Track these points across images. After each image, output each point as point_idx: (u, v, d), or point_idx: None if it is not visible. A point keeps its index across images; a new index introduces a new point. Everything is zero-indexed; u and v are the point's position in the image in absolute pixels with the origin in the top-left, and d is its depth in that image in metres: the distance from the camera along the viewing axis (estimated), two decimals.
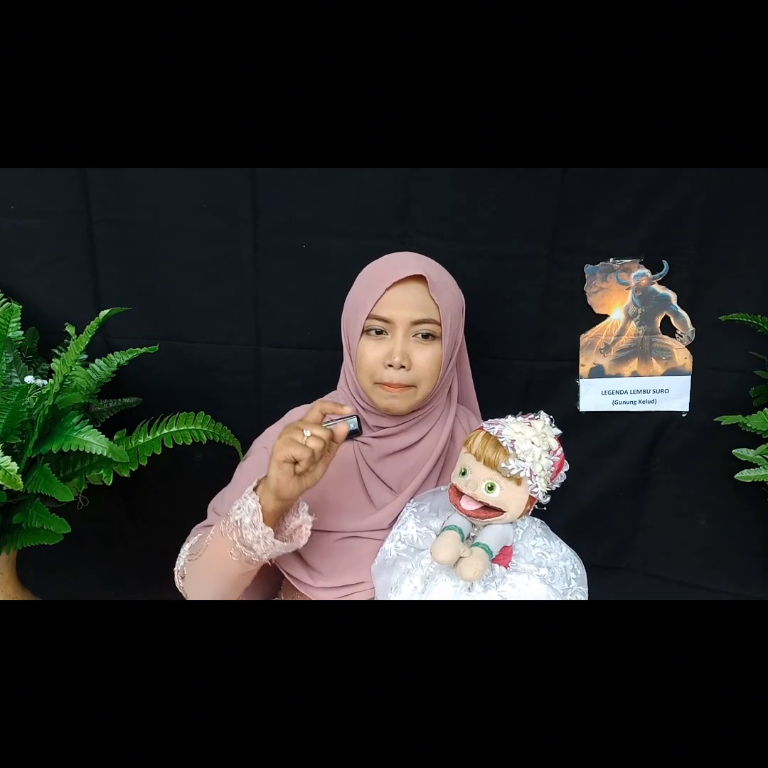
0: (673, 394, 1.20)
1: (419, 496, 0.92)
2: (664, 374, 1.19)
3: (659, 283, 1.15)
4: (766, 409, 0.99)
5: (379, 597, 0.84)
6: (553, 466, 0.77)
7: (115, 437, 0.95)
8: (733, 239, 1.11)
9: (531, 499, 0.77)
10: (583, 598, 0.83)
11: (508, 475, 0.75)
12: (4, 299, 1.05)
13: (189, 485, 1.20)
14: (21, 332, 1.02)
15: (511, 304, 1.16)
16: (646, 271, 1.14)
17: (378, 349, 0.88)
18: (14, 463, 0.79)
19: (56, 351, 1.08)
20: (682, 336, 1.16)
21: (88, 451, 0.84)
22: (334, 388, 1.01)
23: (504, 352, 1.18)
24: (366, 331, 0.89)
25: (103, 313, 0.95)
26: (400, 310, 0.86)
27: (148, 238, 1.11)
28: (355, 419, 0.91)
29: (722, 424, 1.05)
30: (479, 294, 1.14)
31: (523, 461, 0.74)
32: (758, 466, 1.00)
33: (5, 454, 0.80)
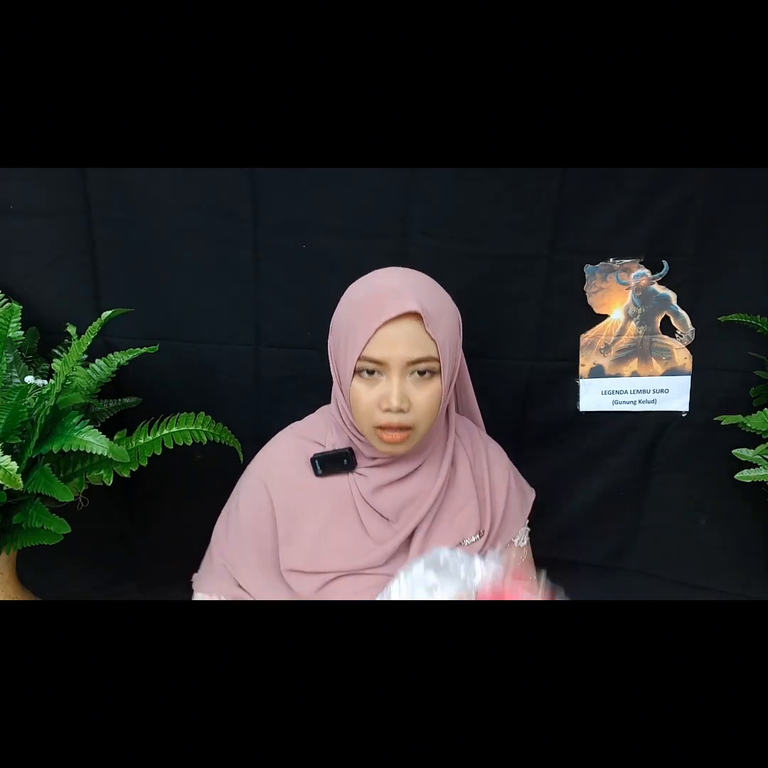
0: (673, 394, 1.20)
1: (428, 557, 0.82)
2: (664, 374, 1.19)
3: (659, 283, 1.15)
4: (766, 409, 1.00)
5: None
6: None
7: (115, 437, 0.95)
8: (733, 239, 1.11)
9: None
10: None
11: None
12: (4, 299, 1.05)
13: (189, 485, 1.21)
14: (21, 332, 1.02)
15: (511, 304, 1.15)
16: (646, 271, 1.14)
17: (372, 391, 0.80)
18: (14, 463, 0.80)
19: (56, 351, 1.08)
20: (682, 336, 1.16)
21: (88, 451, 0.84)
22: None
23: (504, 352, 1.18)
24: (357, 372, 0.81)
25: (106, 314, 0.95)
26: (394, 350, 0.78)
27: (148, 238, 1.11)
28: (349, 453, 0.88)
29: (722, 424, 1.05)
30: (479, 294, 1.14)
31: None
32: (758, 466, 1.00)
33: (5, 454, 0.80)
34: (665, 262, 1.13)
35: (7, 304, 1.03)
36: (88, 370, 1.02)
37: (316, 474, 0.89)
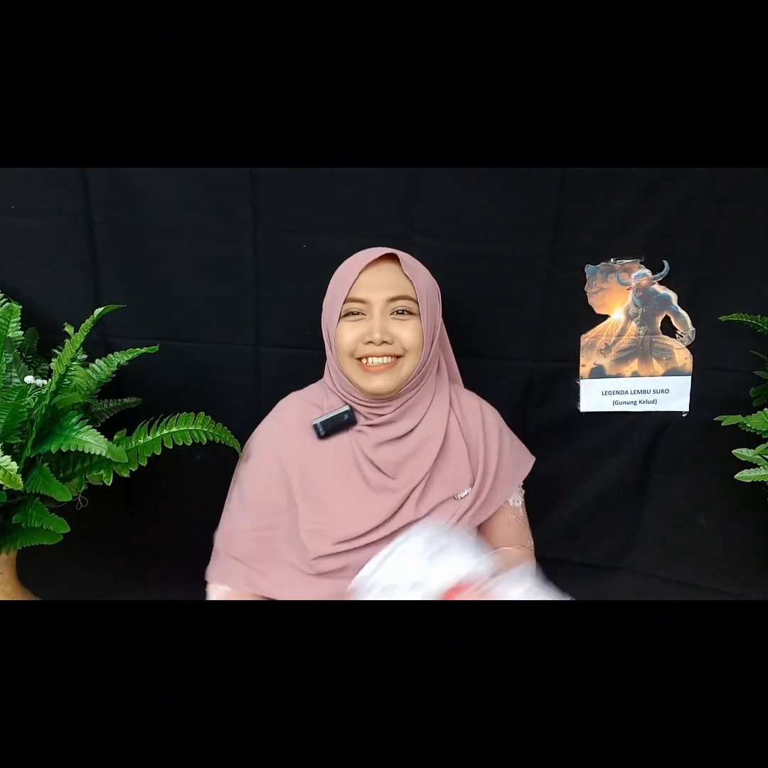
0: (674, 395, 1.20)
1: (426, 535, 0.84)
2: (665, 374, 1.19)
3: (660, 283, 1.15)
4: (766, 409, 0.99)
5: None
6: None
7: (114, 437, 0.94)
8: (733, 239, 1.11)
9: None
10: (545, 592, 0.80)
11: None
12: (4, 299, 1.05)
13: (189, 485, 1.21)
14: (21, 332, 1.02)
15: (512, 304, 1.16)
16: (647, 271, 1.14)
17: (356, 328, 0.89)
18: (14, 463, 0.79)
19: (56, 351, 1.08)
20: (682, 336, 1.16)
21: (87, 452, 0.84)
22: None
23: (505, 352, 1.18)
24: (343, 316, 0.90)
25: (99, 311, 0.94)
26: (375, 290, 0.88)
27: (148, 238, 1.11)
28: (349, 410, 0.94)
29: (722, 424, 1.05)
30: (479, 294, 1.14)
31: None
32: (758, 466, 1.00)
33: (5, 454, 0.80)
34: (666, 263, 1.14)
35: (7, 303, 1.03)
36: (88, 370, 1.01)
37: (319, 437, 0.94)
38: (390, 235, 1.11)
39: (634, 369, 1.19)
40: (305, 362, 1.18)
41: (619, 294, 1.15)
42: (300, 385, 1.17)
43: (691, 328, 1.16)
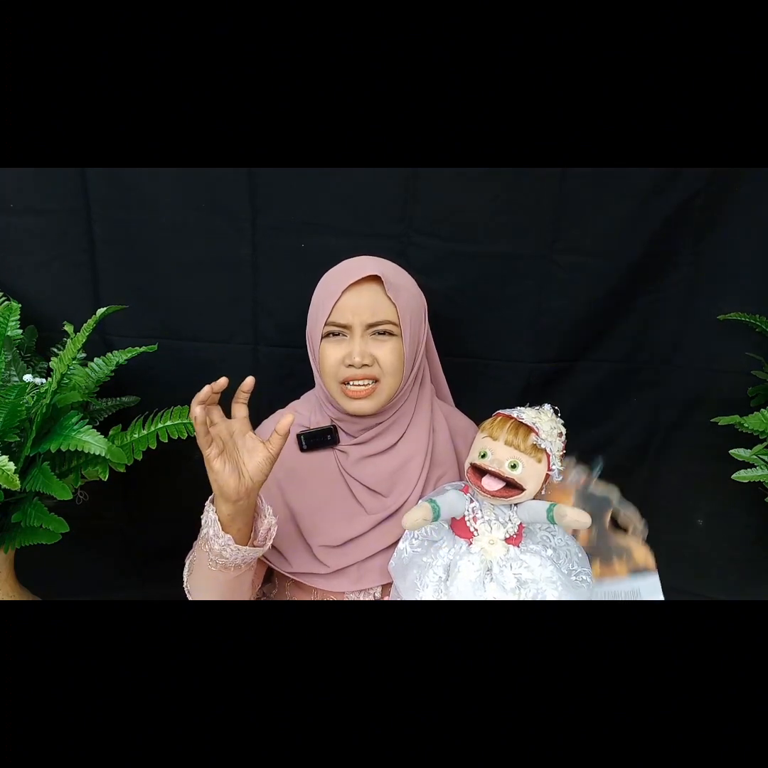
0: (646, 595, 0.95)
1: (426, 496, 0.92)
2: (629, 575, 0.96)
3: (599, 478, 0.95)
4: (763, 409, 1.00)
5: (404, 594, 0.85)
6: (562, 447, 0.86)
7: (110, 432, 0.94)
8: (732, 239, 1.11)
9: (545, 476, 0.83)
10: (588, 580, 0.85)
11: (532, 452, 0.81)
12: (3, 297, 1.05)
13: (187, 484, 1.20)
14: (20, 330, 1.02)
15: (511, 305, 1.15)
16: (583, 470, 0.95)
17: (338, 350, 0.88)
18: (11, 463, 0.79)
19: (55, 349, 1.08)
20: (634, 531, 0.95)
21: (86, 452, 0.84)
22: None
23: (502, 353, 1.18)
24: (325, 336, 0.89)
25: (101, 311, 0.95)
26: (355, 314, 0.86)
27: (147, 237, 1.11)
28: (333, 428, 0.94)
29: (719, 424, 1.05)
30: (479, 294, 1.14)
31: (545, 440, 0.81)
32: (755, 467, 1.00)
33: (3, 453, 0.80)
34: (601, 459, 0.95)
35: (6, 302, 1.03)
36: (87, 369, 1.01)
37: (301, 449, 0.94)
38: (389, 234, 1.11)
39: (597, 572, 0.95)
40: (303, 361, 1.17)
41: (567, 496, 0.95)
42: (298, 383, 1.18)
43: (641, 521, 0.96)
